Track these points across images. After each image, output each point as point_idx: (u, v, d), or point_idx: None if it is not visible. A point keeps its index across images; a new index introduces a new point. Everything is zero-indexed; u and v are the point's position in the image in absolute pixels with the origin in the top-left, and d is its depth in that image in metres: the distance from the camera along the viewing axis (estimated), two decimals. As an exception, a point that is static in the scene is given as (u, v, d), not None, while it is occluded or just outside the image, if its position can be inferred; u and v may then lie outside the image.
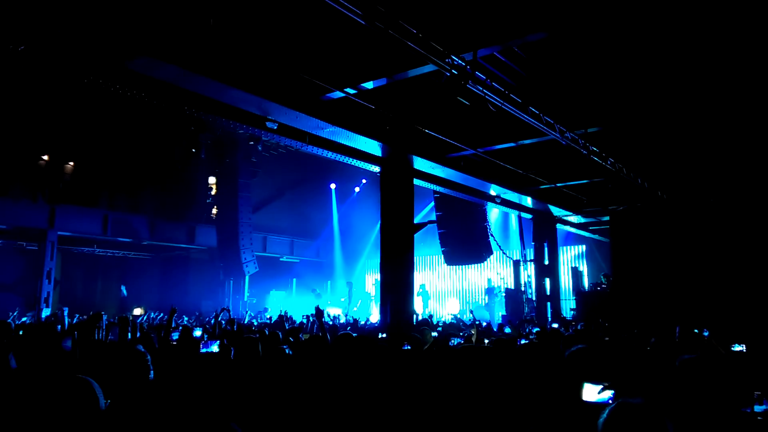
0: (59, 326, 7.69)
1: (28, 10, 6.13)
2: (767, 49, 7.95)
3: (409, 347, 6.03)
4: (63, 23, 6.36)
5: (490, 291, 21.56)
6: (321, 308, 7.13)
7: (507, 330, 10.56)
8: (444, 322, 13.66)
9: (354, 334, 5.05)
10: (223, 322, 8.43)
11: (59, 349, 5.46)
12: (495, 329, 11.16)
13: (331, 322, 12.61)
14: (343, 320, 14.90)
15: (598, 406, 2.84)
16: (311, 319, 10.85)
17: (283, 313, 12.41)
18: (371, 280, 26.01)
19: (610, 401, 3.00)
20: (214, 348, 5.25)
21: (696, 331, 7.48)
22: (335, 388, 3.88)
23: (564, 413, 3.08)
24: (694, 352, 3.75)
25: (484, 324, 13.10)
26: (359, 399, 3.72)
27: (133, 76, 7.62)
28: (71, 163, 18.28)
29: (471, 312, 15.36)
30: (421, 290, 21.72)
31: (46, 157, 17.66)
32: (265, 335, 6.12)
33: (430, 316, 16.82)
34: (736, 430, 3.20)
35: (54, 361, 5.12)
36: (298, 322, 12.13)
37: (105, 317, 6.68)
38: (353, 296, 22.46)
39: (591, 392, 3.05)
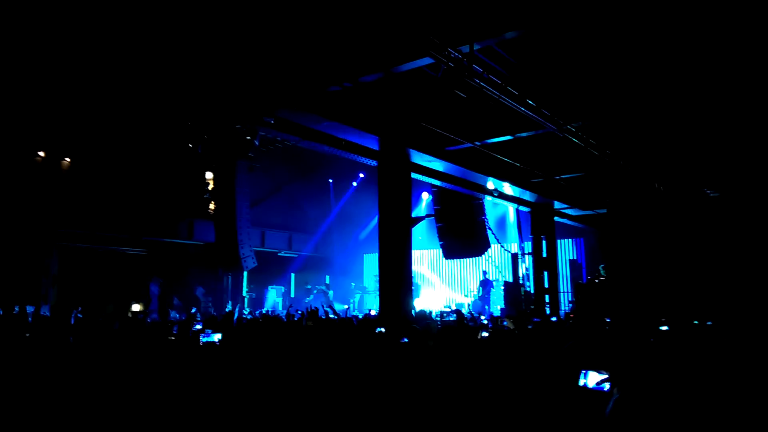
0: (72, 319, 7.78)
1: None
2: (759, 39, 7.97)
3: (407, 340, 6.04)
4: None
5: (485, 283, 21.43)
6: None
7: (505, 323, 10.56)
8: (443, 315, 13.70)
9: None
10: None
11: (67, 342, 5.55)
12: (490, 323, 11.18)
13: (336, 317, 12.64)
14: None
15: (596, 392, 2.88)
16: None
17: (288, 306, 12.46)
18: (370, 275, 26.04)
19: (607, 390, 3.03)
20: (215, 338, 5.30)
21: (696, 322, 7.52)
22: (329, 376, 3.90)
23: (562, 399, 3.11)
24: (693, 343, 3.77)
25: (481, 317, 13.09)
26: (353, 389, 3.74)
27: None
28: (67, 159, 18.23)
29: (468, 305, 15.35)
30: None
31: (42, 153, 17.61)
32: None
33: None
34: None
35: (63, 352, 5.19)
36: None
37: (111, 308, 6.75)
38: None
39: (590, 379, 3.08)
